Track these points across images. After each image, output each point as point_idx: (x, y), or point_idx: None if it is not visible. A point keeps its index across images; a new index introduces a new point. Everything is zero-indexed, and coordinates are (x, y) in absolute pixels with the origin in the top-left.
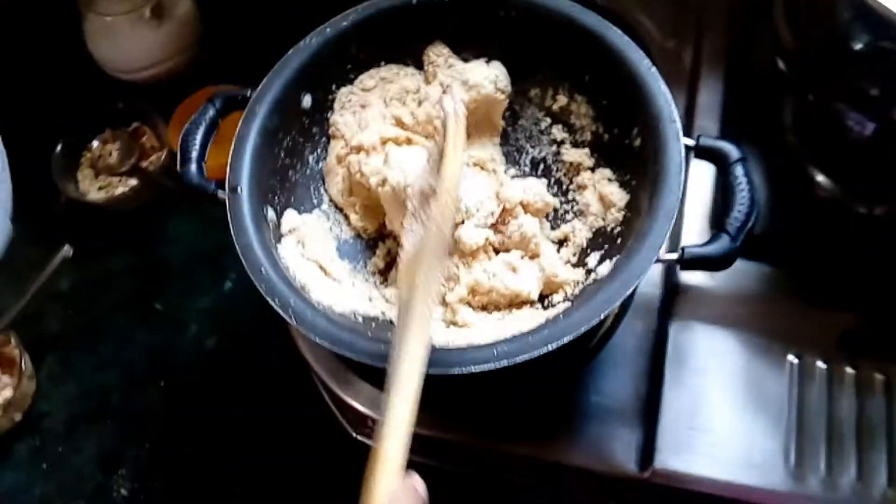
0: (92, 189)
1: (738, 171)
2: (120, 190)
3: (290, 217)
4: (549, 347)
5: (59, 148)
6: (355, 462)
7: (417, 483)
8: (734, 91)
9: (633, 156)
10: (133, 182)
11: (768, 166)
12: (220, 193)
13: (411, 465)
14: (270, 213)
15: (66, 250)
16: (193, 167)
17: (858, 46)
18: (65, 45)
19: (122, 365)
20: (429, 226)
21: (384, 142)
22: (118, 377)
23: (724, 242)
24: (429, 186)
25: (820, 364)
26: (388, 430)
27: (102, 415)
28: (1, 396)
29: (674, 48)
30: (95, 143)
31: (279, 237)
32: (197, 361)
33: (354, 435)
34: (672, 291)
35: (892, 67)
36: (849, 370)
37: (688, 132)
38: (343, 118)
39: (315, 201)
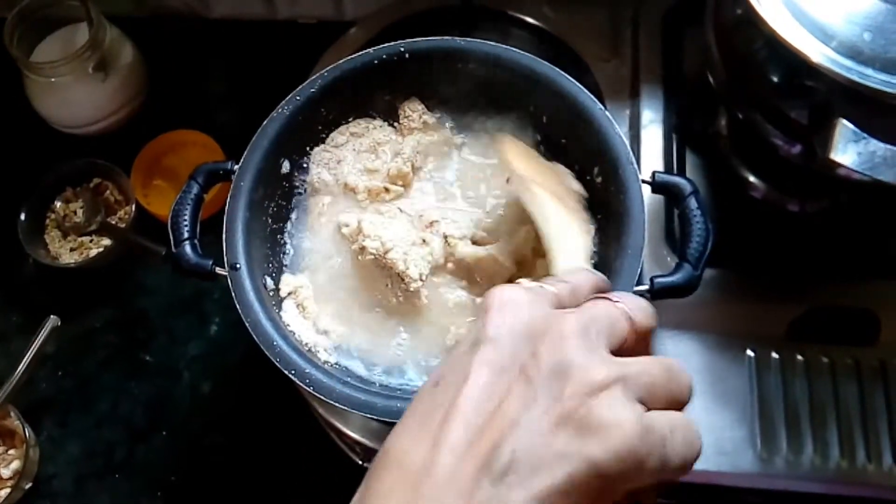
0: (63, 251)
1: (692, 203)
2: (94, 251)
3: (287, 280)
4: None
5: (22, 215)
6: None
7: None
8: (673, 101)
9: (596, 191)
10: (106, 241)
11: (707, 170)
12: (218, 269)
13: None
14: (269, 282)
15: (54, 320)
16: (188, 247)
17: (779, 80)
18: (5, 104)
19: (122, 420)
20: None
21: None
22: (119, 432)
23: (687, 271)
24: None
25: (774, 355)
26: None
27: (110, 470)
28: (10, 470)
29: (614, 66)
30: (58, 204)
31: (279, 303)
32: (195, 407)
33: (361, 463)
34: None
35: (815, 101)
36: (799, 357)
37: (635, 144)
38: (320, 176)
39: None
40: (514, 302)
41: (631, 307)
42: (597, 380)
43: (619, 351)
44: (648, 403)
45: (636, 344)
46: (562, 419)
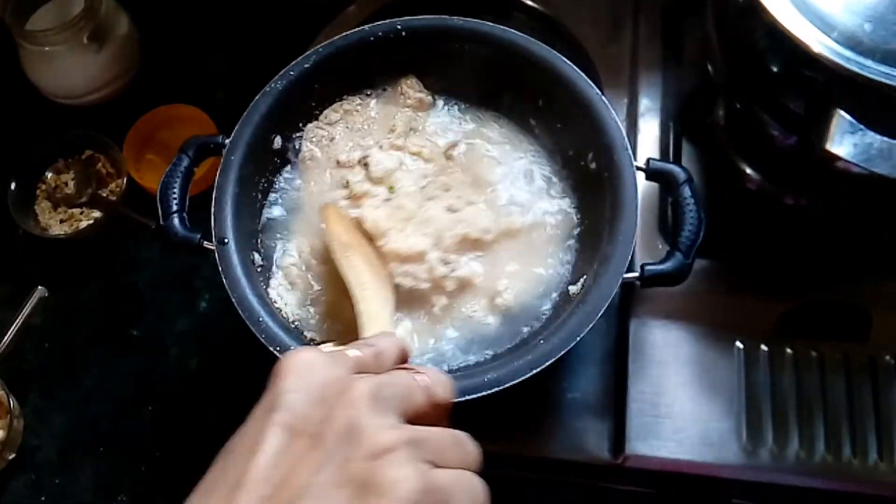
0: (53, 223)
1: (686, 191)
2: (84, 223)
3: (275, 256)
4: (534, 371)
5: (13, 185)
6: None
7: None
8: (671, 90)
9: (590, 176)
10: (96, 214)
11: (703, 161)
12: (206, 243)
13: None
14: (257, 258)
15: (41, 291)
16: (176, 220)
17: (779, 70)
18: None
19: (108, 394)
20: None
21: None
22: (105, 406)
23: (678, 259)
24: None
25: (763, 347)
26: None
27: (95, 443)
28: None
29: (613, 53)
30: (49, 175)
31: (267, 279)
32: (181, 383)
33: None
34: (629, 292)
35: (813, 92)
36: (788, 351)
37: (631, 132)
38: (312, 153)
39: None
40: (310, 365)
41: (430, 381)
42: (383, 442)
43: (414, 420)
44: (437, 465)
45: (433, 416)
46: (348, 482)
